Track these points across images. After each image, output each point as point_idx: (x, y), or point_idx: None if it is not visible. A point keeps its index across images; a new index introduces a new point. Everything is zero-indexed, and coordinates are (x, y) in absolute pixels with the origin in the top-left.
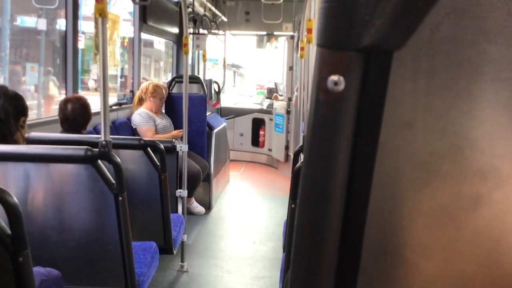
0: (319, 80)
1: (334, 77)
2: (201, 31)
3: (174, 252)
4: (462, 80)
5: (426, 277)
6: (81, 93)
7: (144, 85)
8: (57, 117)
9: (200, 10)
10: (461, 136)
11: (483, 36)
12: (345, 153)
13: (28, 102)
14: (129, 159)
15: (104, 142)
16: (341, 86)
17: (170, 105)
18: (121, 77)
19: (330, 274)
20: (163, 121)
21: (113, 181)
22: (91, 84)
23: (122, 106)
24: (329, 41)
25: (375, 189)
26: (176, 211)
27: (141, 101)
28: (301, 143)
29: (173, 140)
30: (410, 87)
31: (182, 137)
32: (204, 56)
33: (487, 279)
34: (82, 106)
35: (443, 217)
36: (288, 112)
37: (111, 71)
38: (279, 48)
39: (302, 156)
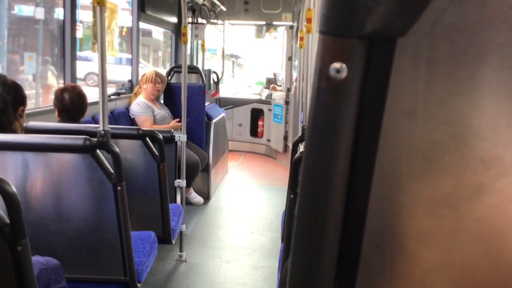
0: (321, 68)
1: (336, 65)
2: (199, 20)
3: (173, 242)
4: (466, 68)
5: (427, 266)
6: (80, 82)
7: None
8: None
9: (199, 0)
10: (464, 124)
11: (488, 23)
12: (347, 142)
13: (26, 92)
14: (127, 149)
15: (102, 132)
16: (344, 74)
17: (169, 95)
18: None
19: (331, 263)
20: (162, 112)
21: (112, 171)
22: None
23: (121, 96)
24: (332, 28)
25: (377, 177)
26: (175, 201)
27: (136, 95)
28: (300, 134)
29: (172, 130)
30: (413, 74)
31: (181, 128)
32: (203, 46)
33: (489, 269)
34: (79, 94)
35: (445, 206)
36: (287, 103)
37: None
38: (278, 38)
39: (301, 147)
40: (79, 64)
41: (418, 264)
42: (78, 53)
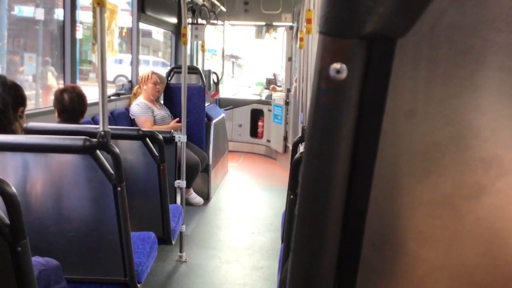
0: (321, 68)
1: (336, 65)
2: (199, 21)
3: (173, 242)
4: (466, 68)
5: (427, 267)
6: (79, 83)
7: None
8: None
9: (199, 0)
10: (464, 125)
11: (488, 24)
12: (347, 142)
13: (26, 92)
14: (127, 149)
15: (102, 133)
16: (344, 74)
17: (169, 96)
18: None
19: (331, 263)
20: (161, 112)
21: (112, 172)
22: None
23: (121, 96)
24: (332, 28)
25: (377, 178)
26: (175, 202)
27: (136, 95)
28: (299, 134)
29: (172, 130)
30: (413, 75)
31: (180, 129)
32: (202, 46)
33: (489, 269)
34: (79, 95)
35: (445, 207)
36: (287, 103)
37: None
38: (278, 38)
39: (301, 147)
40: (111, 67)
41: (418, 264)
42: (110, 56)
